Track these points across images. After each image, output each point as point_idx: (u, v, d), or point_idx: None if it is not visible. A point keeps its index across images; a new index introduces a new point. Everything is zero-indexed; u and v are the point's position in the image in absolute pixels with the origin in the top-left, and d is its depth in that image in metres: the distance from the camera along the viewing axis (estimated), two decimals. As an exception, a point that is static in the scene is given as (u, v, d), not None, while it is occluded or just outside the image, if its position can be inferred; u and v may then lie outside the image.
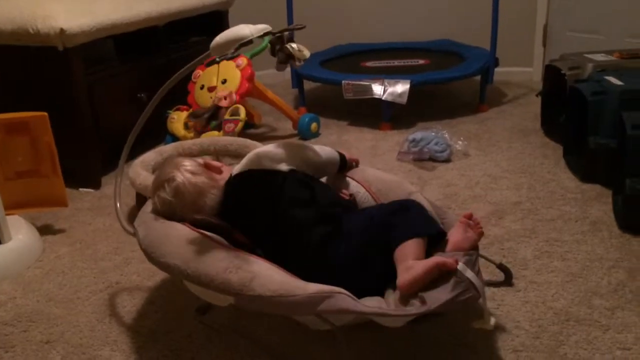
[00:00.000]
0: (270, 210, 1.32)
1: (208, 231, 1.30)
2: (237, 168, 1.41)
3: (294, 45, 1.39)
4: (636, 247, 1.69)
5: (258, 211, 1.34)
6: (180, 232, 1.30)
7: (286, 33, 1.37)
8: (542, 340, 1.33)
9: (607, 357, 1.27)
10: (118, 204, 1.57)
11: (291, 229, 1.29)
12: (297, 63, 1.40)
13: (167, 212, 1.36)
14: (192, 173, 1.37)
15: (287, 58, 1.39)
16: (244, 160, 1.40)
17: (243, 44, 1.33)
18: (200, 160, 1.45)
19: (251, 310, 1.21)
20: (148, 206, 1.45)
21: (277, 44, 1.39)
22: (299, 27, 1.44)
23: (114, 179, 2.33)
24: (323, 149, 1.50)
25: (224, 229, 1.33)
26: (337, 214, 1.33)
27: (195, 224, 1.33)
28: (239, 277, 1.15)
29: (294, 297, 1.12)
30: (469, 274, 1.17)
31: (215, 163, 1.47)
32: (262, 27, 1.34)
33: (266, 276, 1.16)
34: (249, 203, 1.36)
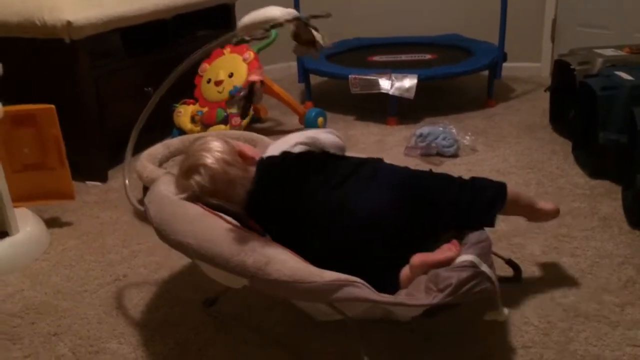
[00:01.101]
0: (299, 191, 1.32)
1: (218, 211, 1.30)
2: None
3: (317, 34, 1.38)
4: (646, 244, 1.68)
5: (286, 193, 1.33)
6: (193, 211, 1.29)
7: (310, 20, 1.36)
8: (552, 336, 1.33)
9: (617, 354, 1.26)
10: (127, 181, 1.56)
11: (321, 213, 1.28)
12: (318, 51, 1.40)
13: (196, 196, 1.34)
14: (227, 163, 1.35)
15: (309, 44, 1.38)
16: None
17: (272, 26, 1.32)
18: (234, 144, 1.43)
19: (264, 293, 1.21)
20: (159, 184, 1.43)
21: (302, 29, 1.38)
22: (326, 15, 1.43)
23: (120, 172, 2.35)
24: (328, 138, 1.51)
25: (237, 214, 1.33)
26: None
27: (206, 204, 1.32)
28: (254, 260, 1.14)
29: (311, 283, 1.11)
30: (484, 267, 1.16)
31: (249, 152, 1.43)
32: (292, 11, 1.33)
33: (281, 261, 1.15)
34: (276, 186, 1.35)
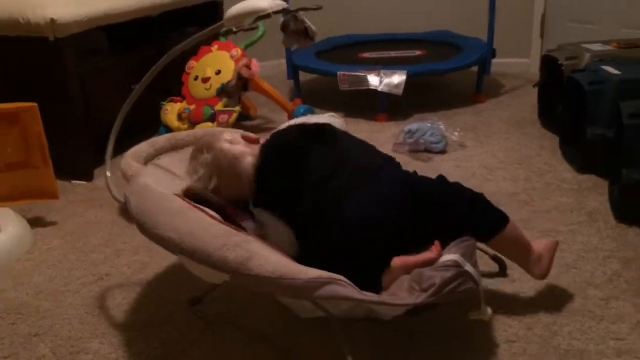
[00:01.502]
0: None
1: (202, 205, 1.29)
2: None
3: (309, 24, 1.37)
4: (632, 238, 1.67)
5: (292, 169, 1.33)
6: (175, 204, 1.27)
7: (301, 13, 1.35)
8: (536, 331, 1.32)
9: (600, 348, 1.26)
10: (108, 173, 1.55)
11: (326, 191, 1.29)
12: (309, 42, 1.39)
13: (203, 179, 1.38)
14: (230, 142, 1.41)
15: (301, 34, 1.37)
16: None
17: (260, 17, 1.30)
18: (238, 133, 1.50)
19: (246, 288, 1.20)
20: (142, 176, 1.42)
21: (292, 20, 1.37)
22: (316, 7, 1.42)
23: (106, 182, 2.33)
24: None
25: (218, 205, 1.31)
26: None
27: (189, 197, 1.31)
28: (237, 256, 1.12)
29: (294, 280, 1.09)
30: (468, 267, 1.16)
31: (253, 136, 1.51)
32: (280, 3, 1.32)
33: (264, 257, 1.13)
34: (284, 158, 1.37)
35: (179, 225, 1.20)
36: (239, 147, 1.41)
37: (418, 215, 1.28)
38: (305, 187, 1.29)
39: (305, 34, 1.37)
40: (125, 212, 2.01)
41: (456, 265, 1.16)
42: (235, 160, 1.37)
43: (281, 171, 1.34)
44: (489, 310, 1.20)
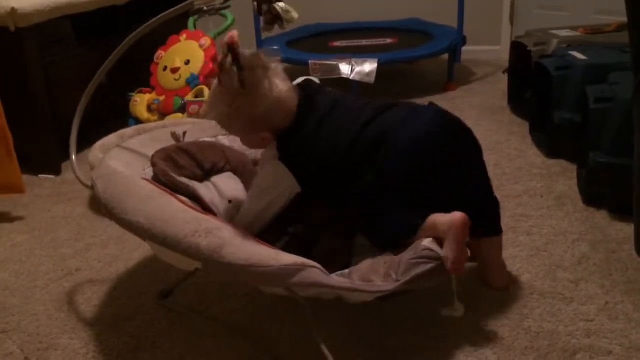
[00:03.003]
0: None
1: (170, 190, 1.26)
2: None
3: (281, 4, 1.35)
4: (599, 220, 1.70)
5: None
6: (144, 189, 1.23)
7: None
8: (507, 314, 1.34)
9: (570, 329, 1.28)
10: (74, 156, 1.50)
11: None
12: (285, 24, 1.37)
13: (229, 112, 1.21)
14: (282, 79, 1.23)
15: (275, 19, 1.35)
16: None
17: None
18: None
19: (218, 276, 1.18)
20: (109, 158, 1.37)
21: (265, 3, 1.35)
22: None
23: (71, 164, 2.29)
24: None
25: (188, 191, 1.29)
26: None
27: (161, 181, 1.28)
28: (209, 242, 1.09)
29: (266, 267, 1.07)
30: (440, 250, 1.15)
31: None
32: None
33: (236, 244, 1.11)
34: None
35: (148, 210, 1.17)
36: (287, 84, 1.25)
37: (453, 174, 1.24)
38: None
39: (278, 17, 1.35)
40: (95, 205, 1.97)
41: (434, 254, 1.16)
42: (278, 103, 1.22)
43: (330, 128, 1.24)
44: (462, 308, 1.20)
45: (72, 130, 1.54)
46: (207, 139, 1.59)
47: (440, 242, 1.17)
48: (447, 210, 1.18)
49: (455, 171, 1.25)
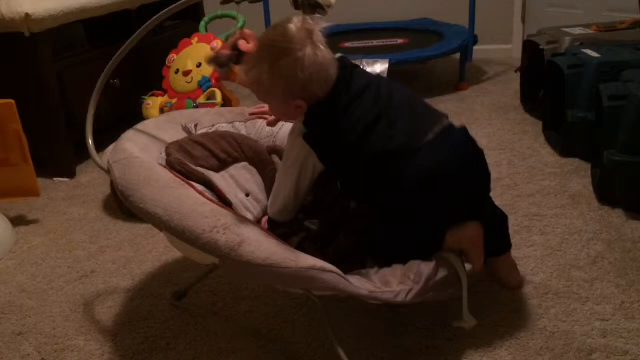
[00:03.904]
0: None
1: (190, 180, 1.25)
2: None
3: None
4: (614, 219, 1.68)
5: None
6: (162, 177, 1.20)
7: None
8: (522, 314, 1.33)
9: (586, 329, 1.27)
10: (90, 141, 1.46)
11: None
12: (324, 10, 1.35)
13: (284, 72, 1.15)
14: (325, 47, 1.18)
15: (314, 8, 1.34)
16: None
17: None
18: None
19: (235, 273, 1.16)
20: (124, 141, 1.33)
21: None
22: None
23: (88, 167, 2.31)
24: None
25: (205, 180, 1.28)
26: None
27: (175, 169, 1.27)
28: (227, 239, 1.07)
29: (285, 269, 1.05)
30: (459, 268, 1.16)
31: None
32: None
33: (255, 242, 1.08)
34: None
35: (166, 201, 1.13)
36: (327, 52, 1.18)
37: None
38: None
39: (316, 5, 1.34)
40: (109, 208, 1.99)
41: (451, 266, 1.16)
42: (322, 68, 1.16)
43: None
44: (473, 319, 1.19)
45: (88, 112, 1.51)
46: (224, 125, 1.55)
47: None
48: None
49: (466, 199, 1.24)
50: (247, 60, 1.22)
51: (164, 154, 1.35)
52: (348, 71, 1.21)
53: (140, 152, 1.29)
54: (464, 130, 1.27)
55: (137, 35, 1.39)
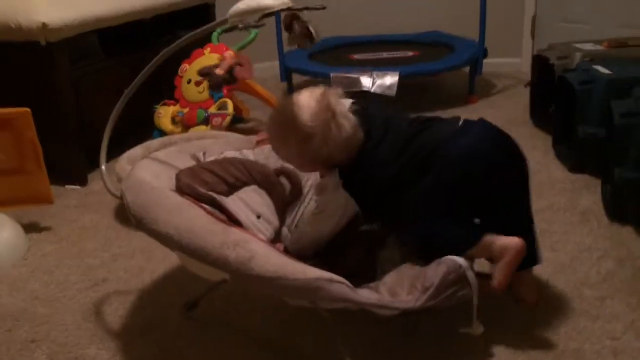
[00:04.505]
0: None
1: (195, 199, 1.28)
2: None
3: (313, 24, 1.38)
4: (625, 237, 1.68)
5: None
6: (173, 200, 1.25)
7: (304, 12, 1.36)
8: (532, 331, 1.33)
9: (596, 347, 1.27)
10: (103, 167, 1.52)
11: None
12: (310, 44, 1.39)
13: (317, 135, 1.22)
14: (348, 119, 1.24)
15: (303, 37, 1.38)
16: None
17: (266, 14, 1.30)
18: None
19: (244, 287, 1.18)
20: (137, 169, 1.38)
21: (295, 20, 1.38)
22: (320, 7, 1.42)
23: (100, 175, 2.32)
24: None
25: (214, 202, 1.30)
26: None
27: (185, 192, 1.30)
28: (237, 255, 1.10)
29: (295, 280, 1.08)
30: (469, 274, 1.16)
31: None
32: (286, 1, 1.31)
33: (265, 256, 1.12)
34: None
35: (177, 222, 1.18)
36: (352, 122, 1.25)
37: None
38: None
39: (308, 35, 1.38)
40: (121, 215, 2.01)
41: (459, 269, 1.17)
42: (349, 139, 1.24)
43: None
44: (480, 327, 1.19)
45: (102, 142, 1.57)
46: (231, 152, 1.61)
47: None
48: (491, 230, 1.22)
49: (503, 187, 1.26)
50: (275, 137, 1.31)
51: (174, 181, 1.39)
52: (368, 124, 1.27)
53: (152, 178, 1.34)
54: (484, 120, 1.35)
55: (160, 57, 1.46)
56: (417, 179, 1.23)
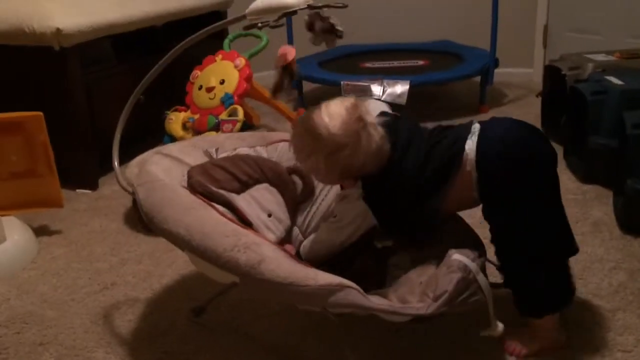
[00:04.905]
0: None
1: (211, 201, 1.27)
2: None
3: (335, 20, 1.36)
4: (637, 249, 1.67)
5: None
6: (184, 199, 1.24)
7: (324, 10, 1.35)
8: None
9: (607, 360, 1.25)
10: (116, 163, 1.51)
11: None
12: (336, 40, 1.38)
13: (346, 142, 1.19)
14: (376, 129, 1.22)
15: (327, 32, 1.36)
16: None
17: (286, 13, 1.27)
18: None
19: (253, 292, 1.17)
20: (149, 164, 1.37)
21: (316, 19, 1.36)
22: (341, 5, 1.40)
23: (111, 179, 2.34)
24: None
25: (225, 201, 1.30)
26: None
27: (196, 190, 1.29)
28: (247, 258, 1.09)
29: (305, 287, 1.07)
30: (480, 277, 1.15)
31: None
32: None
33: (275, 260, 1.11)
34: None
35: (188, 222, 1.17)
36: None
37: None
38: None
39: (332, 31, 1.36)
40: (130, 220, 2.01)
41: (469, 274, 1.16)
42: (382, 145, 1.21)
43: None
44: (500, 326, 1.17)
45: (114, 137, 1.56)
46: (245, 148, 1.58)
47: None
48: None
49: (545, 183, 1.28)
50: (302, 147, 1.26)
51: (186, 177, 1.39)
52: (395, 136, 1.25)
53: (164, 175, 1.34)
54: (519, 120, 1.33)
55: (165, 59, 1.44)
56: (439, 187, 1.22)
